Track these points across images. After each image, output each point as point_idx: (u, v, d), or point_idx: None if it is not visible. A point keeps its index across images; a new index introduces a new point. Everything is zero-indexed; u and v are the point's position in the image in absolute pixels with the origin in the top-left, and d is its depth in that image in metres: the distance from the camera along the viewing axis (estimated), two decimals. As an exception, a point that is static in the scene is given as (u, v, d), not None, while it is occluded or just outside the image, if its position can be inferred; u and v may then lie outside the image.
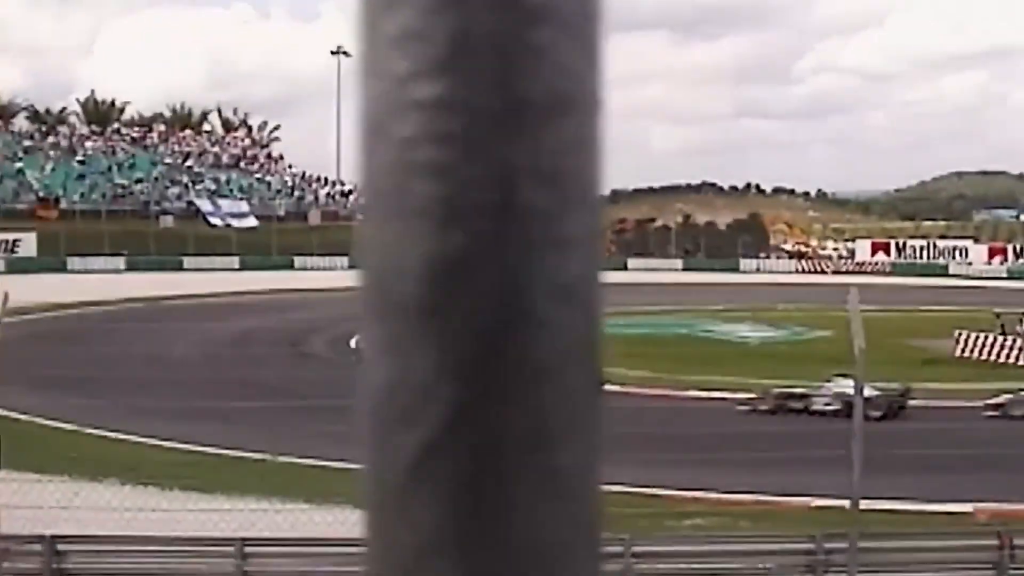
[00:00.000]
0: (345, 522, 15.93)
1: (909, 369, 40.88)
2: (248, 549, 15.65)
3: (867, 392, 38.29)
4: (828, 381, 32.36)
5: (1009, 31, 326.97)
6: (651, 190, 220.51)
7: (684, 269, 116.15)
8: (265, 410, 28.70)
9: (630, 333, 57.02)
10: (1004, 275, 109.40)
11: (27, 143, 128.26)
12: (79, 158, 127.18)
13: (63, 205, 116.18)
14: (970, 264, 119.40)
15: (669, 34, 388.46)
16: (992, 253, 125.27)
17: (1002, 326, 49.47)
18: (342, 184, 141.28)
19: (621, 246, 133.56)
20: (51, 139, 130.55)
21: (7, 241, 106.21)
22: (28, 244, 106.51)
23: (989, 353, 46.38)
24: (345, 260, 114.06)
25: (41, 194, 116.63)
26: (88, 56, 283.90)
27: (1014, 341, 46.70)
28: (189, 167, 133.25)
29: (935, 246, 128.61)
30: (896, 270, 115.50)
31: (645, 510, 19.07)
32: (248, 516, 15.87)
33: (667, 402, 34.91)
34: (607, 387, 0.68)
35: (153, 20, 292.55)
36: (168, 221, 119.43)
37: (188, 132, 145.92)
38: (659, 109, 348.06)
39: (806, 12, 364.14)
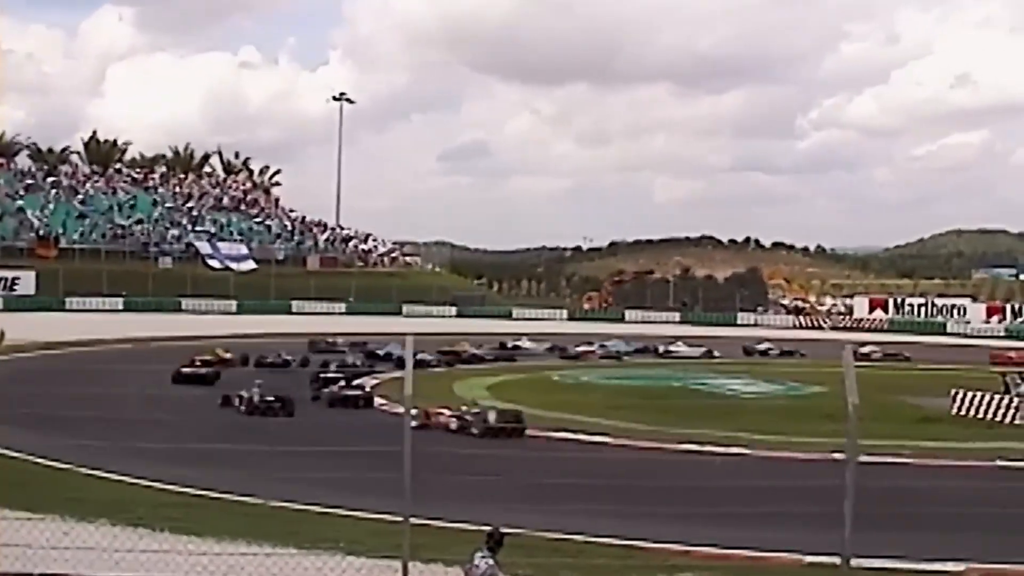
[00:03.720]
0: (336, 568, 15.81)
1: (905, 425, 40.86)
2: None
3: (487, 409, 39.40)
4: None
5: (1012, 89, 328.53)
6: (650, 242, 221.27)
7: (681, 322, 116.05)
8: (256, 453, 28.62)
9: (626, 384, 57.11)
10: (1002, 334, 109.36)
11: (28, 181, 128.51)
12: (79, 197, 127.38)
13: (63, 244, 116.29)
14: (968, 322, 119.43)
15: (673, 86, 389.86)
16: (990, 312, 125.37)
17: (1005, 385, 49.50)
18: (341, 230, 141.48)
19: (619, 297, 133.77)
20: (52, 178, 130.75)
21: (6, 279, 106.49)
22: (27, 282, 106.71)
23: (986, 412, 46.31)
24: (342, 305, 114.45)
25: (41, 232, 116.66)
26: (94, 96, 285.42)
27: (1011, 401, 46.67)
28: (189, 209, 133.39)
29: (933, 304, 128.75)
30: (894, 327, 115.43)
31: (630, 563, 18.95)
32: (238, 560, 15.73)
33: (657, 454, 34.84)
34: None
35: (159, 62, 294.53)
36: (167, 262, 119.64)
37: (190, 174, 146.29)
38: (661, 161, 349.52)
39: (812, 68, 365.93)
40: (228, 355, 59.90)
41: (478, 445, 34.90)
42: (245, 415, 41.04)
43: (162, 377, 49.32)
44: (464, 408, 40.68)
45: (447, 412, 39.71)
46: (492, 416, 38.88)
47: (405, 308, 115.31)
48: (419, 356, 49.68)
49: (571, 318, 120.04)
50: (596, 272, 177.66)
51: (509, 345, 79.86)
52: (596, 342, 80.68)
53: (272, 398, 41.77)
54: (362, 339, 73.61)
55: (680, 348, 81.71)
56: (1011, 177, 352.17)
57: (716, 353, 79.42)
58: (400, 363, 51.00)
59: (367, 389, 47.49)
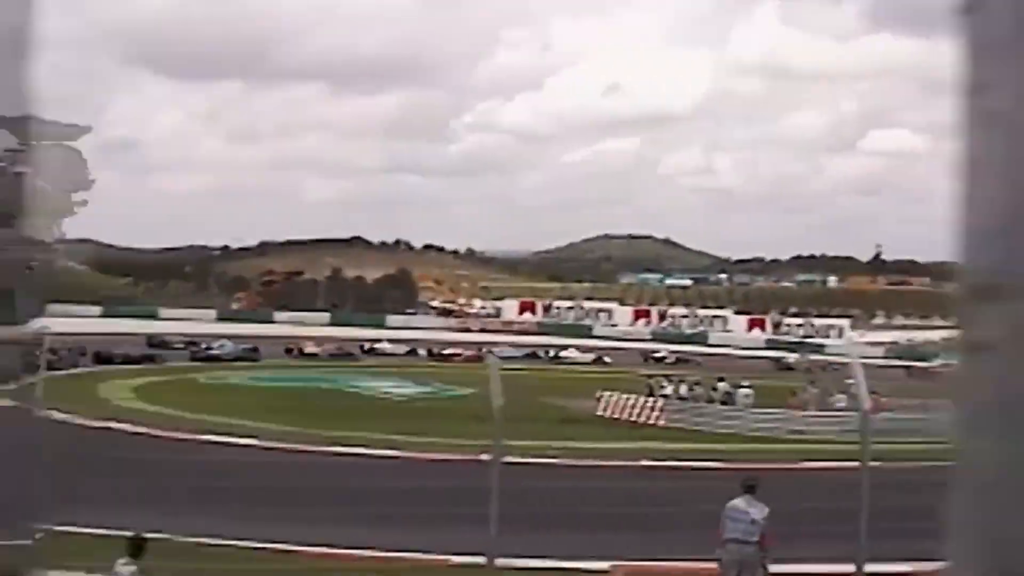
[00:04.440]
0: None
1: (552, 427, 41.45)
2: None
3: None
4: None
5: (661, 99, 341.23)
6: (301, 242, 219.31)
7: (331, 324, 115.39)
8: None
9: (276, 387, 56.26)
10: (648, 337, 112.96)
11: None
12: None
13: None
14: (615, 325, 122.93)
15: (327, 86, 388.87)
16: (637, 315, 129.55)
17: (649, 388, 51.00)
18: None
19: (268, 298, 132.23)
20: None
21: None
22: None
23: (630, 413, 47.50)
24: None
25: None
26: None
27: (655, 403, 48.10)
28: None
29: (581, 307, 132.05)
30: (542, 329, 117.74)
31: (278, 566, 18.45)
32: None
33: (308, 457, 34.24)
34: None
35: None
36: None
37: None
38: (312, 161, 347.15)
39: (467, 72, 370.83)
40: None
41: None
42: None
43: None
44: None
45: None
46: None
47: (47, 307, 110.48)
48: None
49: (220, 319, 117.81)
50: (246, 272, 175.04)
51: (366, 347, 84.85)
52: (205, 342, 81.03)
53: None
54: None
55: (386, 346, 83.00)
56: (659, 185, 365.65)
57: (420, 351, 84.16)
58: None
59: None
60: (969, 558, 1.32)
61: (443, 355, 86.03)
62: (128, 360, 67.86)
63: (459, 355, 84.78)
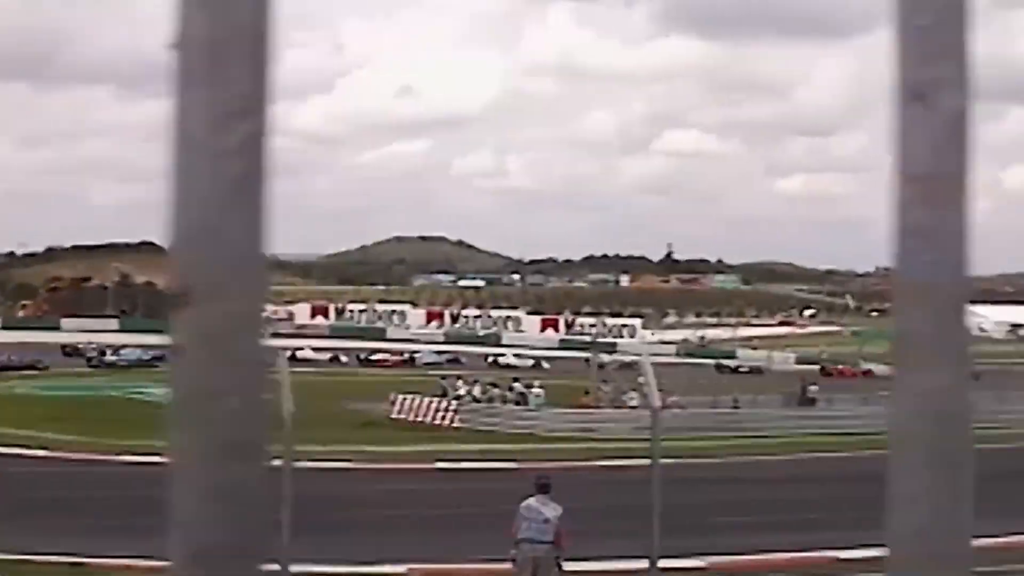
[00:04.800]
0: None
1: (346, 431, 41.25)
2: None
3: None
4: None
5: (453, 101, 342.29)
6: (89, 248, 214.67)
7: (120, 330, 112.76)
8: None
9: (60, 395, 54.87)
10: (441, 339, 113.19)
11: None
12: None
13: None
14: (408, 327, 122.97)
15: (116, 89, 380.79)
16: (430, 317, 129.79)
17: (443, 389, 51.16)
18: None
19: (55, 305, 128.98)
20: None
21: None
22: None
23: (424, 416, 47.57)
24: None
25: None
26: None
27: (449, 404, 48.27)
28: None
29: (374, 310, 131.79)
30: (334, 333, 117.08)
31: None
32: None
33: (96, 467, 33.43)
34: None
35: None
36: None
37: None
38: (101, 165, 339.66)
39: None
40: None
41: None
42: None
43: None
44: None
45: None
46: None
47: None
48: None
49: (5, 327, 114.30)
50: (32, 279, 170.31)
51: None
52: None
53: None
54: None
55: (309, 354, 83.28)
56: (450, 187, 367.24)
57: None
58: None
59: None
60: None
61: (371, 361, 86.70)
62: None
63: (387, 362, 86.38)
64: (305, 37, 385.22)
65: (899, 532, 1.45)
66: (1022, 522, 21.76)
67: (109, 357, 77.89)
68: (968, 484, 1.43)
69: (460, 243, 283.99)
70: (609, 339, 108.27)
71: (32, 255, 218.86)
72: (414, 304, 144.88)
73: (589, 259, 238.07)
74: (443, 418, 47.28)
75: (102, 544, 20.51)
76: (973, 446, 1.45)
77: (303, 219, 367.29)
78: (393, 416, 48.13)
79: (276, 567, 14.35)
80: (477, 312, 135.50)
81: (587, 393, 51.54)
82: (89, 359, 78.24)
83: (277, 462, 17.20)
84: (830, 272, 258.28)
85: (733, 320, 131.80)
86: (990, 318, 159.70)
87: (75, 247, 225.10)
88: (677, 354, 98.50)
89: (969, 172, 1.49)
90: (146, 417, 45.03)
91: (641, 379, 20.04)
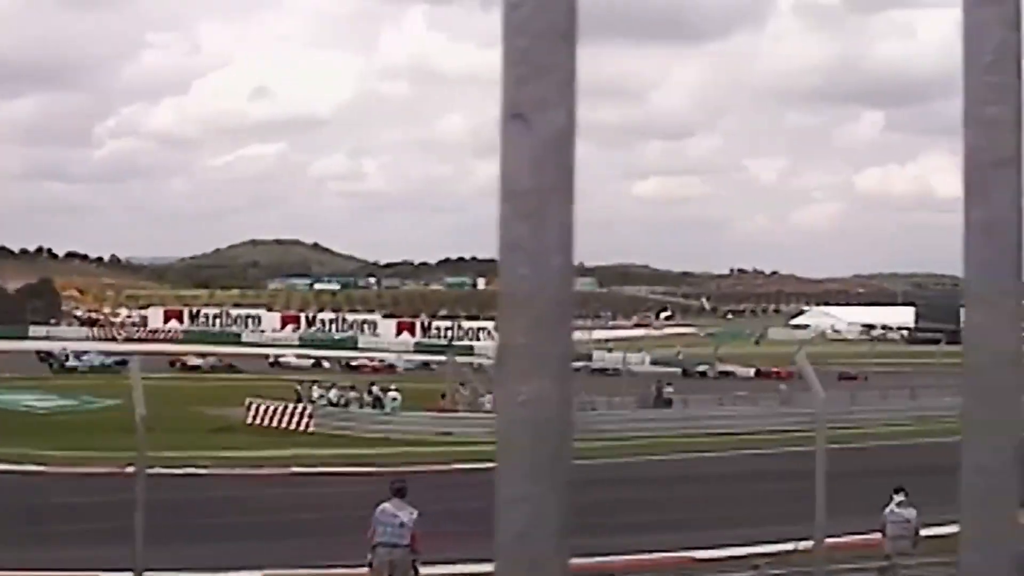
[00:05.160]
0: None
1: (201, 436, 40.91)
2: None
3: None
4: None
5: (308, 103, 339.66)
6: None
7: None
8: None
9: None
10: (296, 343, 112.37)
11: None
12: None
13: None
14: (263, 331, 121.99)
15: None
16: (285, 321, 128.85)
17: (297, 395, 50.99)
18: None
19: None
20: None
21: None
22: None
23: (279, 421, 47.32)
24: None
25: None
26: None
27: (304, 409, 48.10)
28: None
29: (229, 314, 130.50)
30: (189, 337, 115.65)
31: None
32: None
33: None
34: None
35: None
36: None
37: None
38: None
39: (111, 75, 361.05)
40: None
41: None
42: None
43: None
44: None
45: None
46: None
47: None
48: None
49: None
50: None
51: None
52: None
53: None
54: None
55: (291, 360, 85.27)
56: (306, 189, 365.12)
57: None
58: None
59: None
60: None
61: (352, 366, 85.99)
62: None
63: (368, 367, 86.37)
64: (161, 38, 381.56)
65: (503, 536, 1.49)
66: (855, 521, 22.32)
67: (71, 362, 79.49)
68: (567, 490, 1.47)
69: (316, 246, 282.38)
70: (466, 342, 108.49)
71: None
72: (269, 308, 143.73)
73: (445, 262, 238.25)
74: (298, 423, 47.10)
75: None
76: (572, 453, 1.50)
77: (158, 223, 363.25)
78: (249, 421, 47.81)
79: (130, 573, 14.32)
80: (333, 316, 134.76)
81: (444, 396, 51.67)
82: (51, 364, 79.72)
83: (130, 468, 17.14)
84: (685, 274, 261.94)
85: (589, 322, 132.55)
86: (844, 319, 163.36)
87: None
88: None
89: (570, 189, 1.55)
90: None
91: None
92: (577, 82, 1.55)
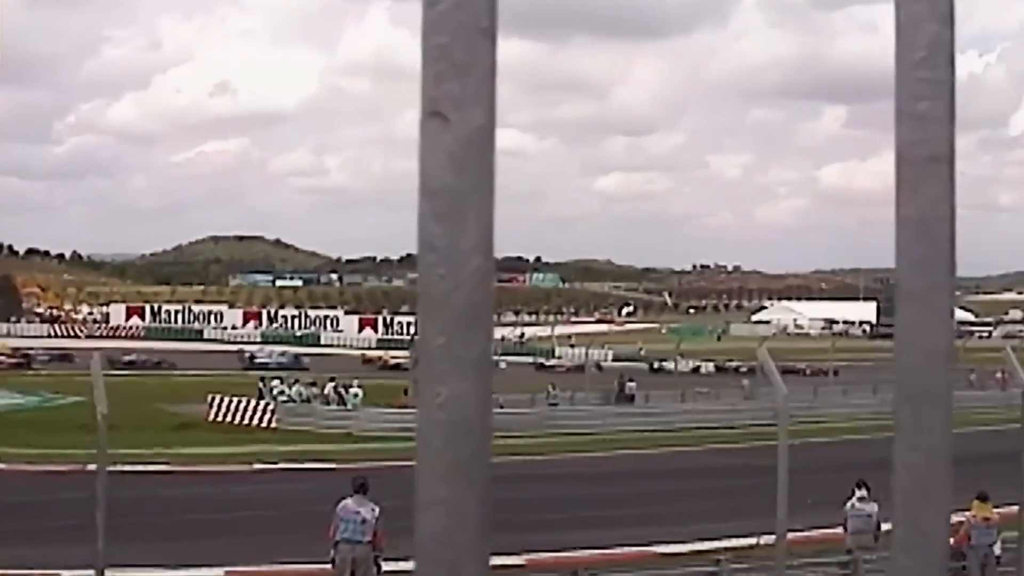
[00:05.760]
0: None
1: (162, 433, 40.73)
2: None
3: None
4: None
5: (270, 99, 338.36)
6: None
7: None
8: None
9: None
10: (258, 339, 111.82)
11: None
12: None
13: None
14: (225, 328, 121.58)
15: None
16: (247, 317, 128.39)
17: (259, 390, 50.79)
18: None
19: None
20: None
21: None
22: None
23: (241, 417, 47.12)
24: None
25: None
26: None
27: (267, 405, 47.92)
28: None
29: (191, 310, 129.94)
30: (151, 334, 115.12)
31: None
32: None
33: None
34: None
35: None
36: None
37: None
38: None
39: (71, 71, 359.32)
40: None
41: None
42: None
43: None
44: None
45: None
46: None
47: None
48: None
49: None
50: None
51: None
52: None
53: None
54: None
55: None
56: (267, 185, 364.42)
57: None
58: None
59: None
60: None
61: (369, 361, 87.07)
62: None
63: (380, 359, 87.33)
64: (122, 34, 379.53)
65: (422, 538, 1.49)
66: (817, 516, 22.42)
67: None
68: (487, 491, 1.47)
69: (278, 242, 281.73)
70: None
71: None
72: (231, 305, 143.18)
73: (408, 257, 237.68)
74: (260, 419, 46.92)
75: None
76: (491, 454, 1.49)
77: (120, 219, 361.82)
78: (210, 418, 47.59)
79: (91, 572, 14.24)
80: (295, 312, 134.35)
81: (406, 392, 51.52)
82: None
83: (91, 465, 17.06)
84: (648, 270, 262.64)
85: (552, 318, 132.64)
86: (806, 315, 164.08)
87: None
88: (496, 353, 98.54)
89: (490, 188, 1.54)
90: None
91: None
92: (497, 79, 1.52)
